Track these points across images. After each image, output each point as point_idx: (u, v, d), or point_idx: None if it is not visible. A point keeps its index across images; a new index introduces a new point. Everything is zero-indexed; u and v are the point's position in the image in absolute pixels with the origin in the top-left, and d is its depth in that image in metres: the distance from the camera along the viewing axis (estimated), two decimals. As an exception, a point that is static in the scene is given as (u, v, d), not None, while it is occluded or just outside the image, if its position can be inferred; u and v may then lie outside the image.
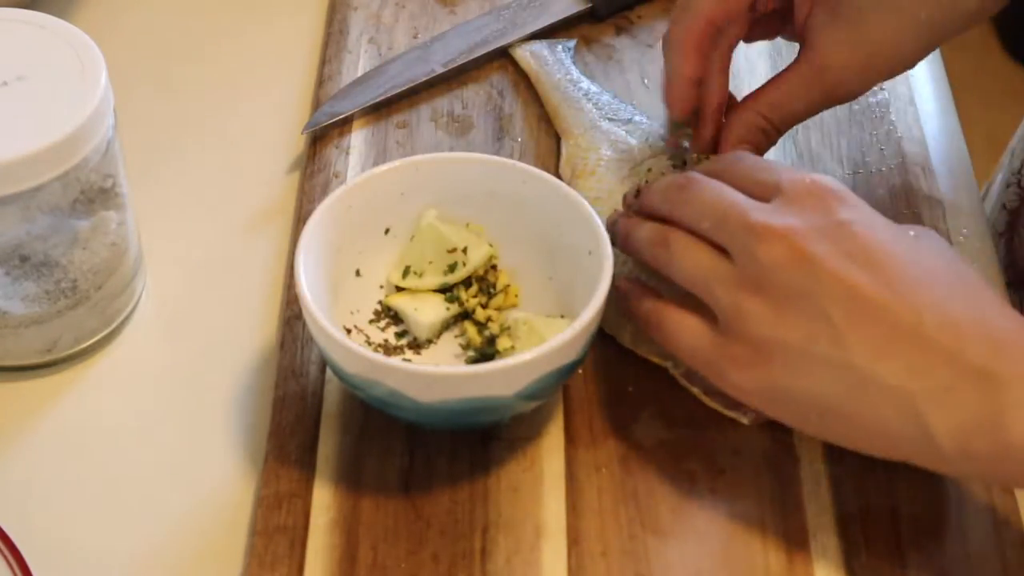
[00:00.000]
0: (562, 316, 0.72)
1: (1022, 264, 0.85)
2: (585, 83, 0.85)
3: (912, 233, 0.65)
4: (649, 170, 0.77)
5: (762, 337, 0.63)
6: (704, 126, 0.75)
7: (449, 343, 0.73)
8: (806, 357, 0.62)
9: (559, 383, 0.69)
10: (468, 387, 0.66)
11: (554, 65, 0.86)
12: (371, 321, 0.74)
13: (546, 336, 0.68)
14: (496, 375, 0.66)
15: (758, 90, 0.74)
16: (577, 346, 0.67)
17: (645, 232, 0.69)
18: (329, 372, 0.73)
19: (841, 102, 0.75)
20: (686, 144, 0.78)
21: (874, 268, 0.62)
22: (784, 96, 0.73)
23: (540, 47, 0.88)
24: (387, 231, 0.74)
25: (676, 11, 0.72)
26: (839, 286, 0.62)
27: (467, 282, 0.74)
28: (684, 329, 0.67)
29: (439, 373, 0.66)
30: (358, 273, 0.73)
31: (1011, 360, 0.60)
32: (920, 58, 0.74)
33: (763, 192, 0.66)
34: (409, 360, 0.72)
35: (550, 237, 0.73)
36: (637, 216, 0.71)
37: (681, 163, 0.77)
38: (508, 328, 0.72)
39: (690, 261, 0.66)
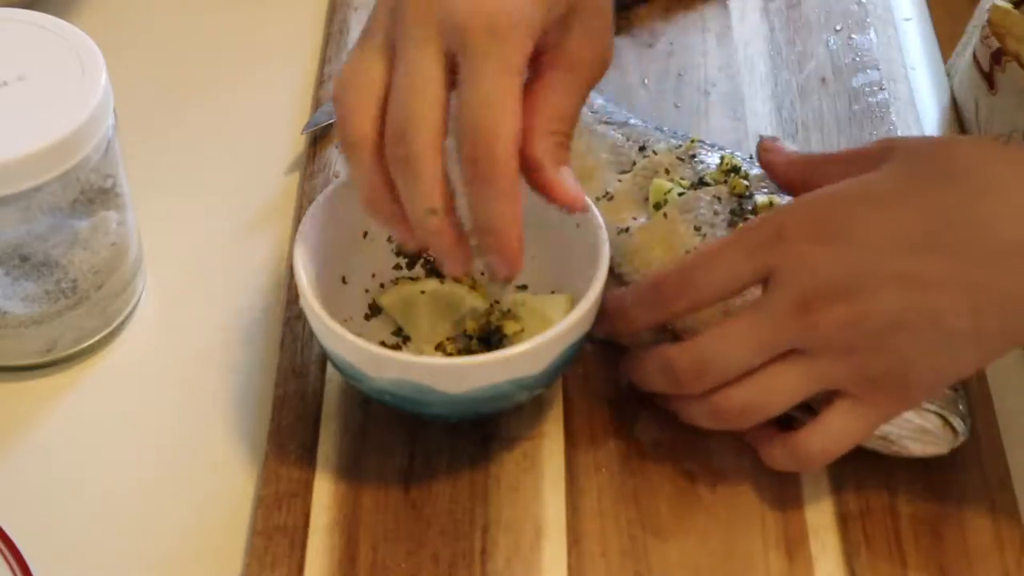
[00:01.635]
0: (552, 292, 0.72)
1: None
2: None
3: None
4: (644, 169, 0.77)
5: (883, 374, 0.64)
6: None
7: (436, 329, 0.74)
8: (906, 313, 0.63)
9: (575, 356, 0.69)
10: (500, 372, 0.66)
11: None
12: (366, 317, 0.74)
13: (547, 313, 0.69)
14: (526, 356, 0.66)
15: (531, 112, 0.65)
16: (593, 314, 0.67)
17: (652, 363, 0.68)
18: (329, 372, 0.73)
19: (600, 78, 0.69)
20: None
21: (914, 239, 0.63)
22: (560, 105, 0.67)
23: None
24: (365, 235, 0.74)
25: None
26: (896, 260, 0.63)
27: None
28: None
29: (474, 362, 0.66)
30: (344, 280, 0.73)
31: None
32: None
33: (763, 270, 0.66)
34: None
35: (534, 216, 0.73)
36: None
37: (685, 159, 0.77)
38: (509, 311, 0.72)
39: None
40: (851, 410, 0.65)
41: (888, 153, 0.66)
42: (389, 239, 0.74)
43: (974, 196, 0.63)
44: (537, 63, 0.65)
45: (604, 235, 0.69)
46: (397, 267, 0.75)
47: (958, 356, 0.64)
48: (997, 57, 0.82)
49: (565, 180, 0.65)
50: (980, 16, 0.88)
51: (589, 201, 0.69)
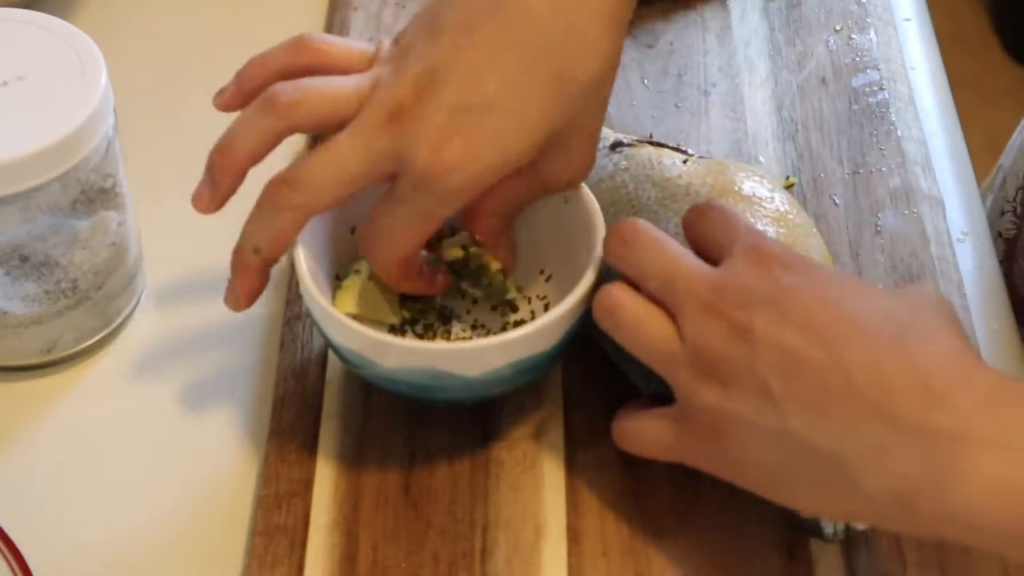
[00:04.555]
0: (541, 272, 0.74)
1: (1021, 294, 0.84)
2: None
3: (886, 289, 0.64)
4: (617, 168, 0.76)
5: (715, 415, 0.62)
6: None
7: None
8: (752, 430, 0.61)
9: (578, 332, 0.69)
10: (517, 350, 0.66)
11: None
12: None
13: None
14: (542, 332, 0.66)
15: (487, 194, 0.68)
16: (594, 291, 0.68)
17: (599, 296, 0.67)
18: (329, 372, 0.73)
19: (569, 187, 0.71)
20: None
21: (810, 329, 0.60)
22: (513, 201, 0.70)
23: None
24: (352, 230, 0.74)
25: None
26: (775, 353, 0.60)
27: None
28: (647, 434, 0.66)
29: (494, 343, 0.66)
30: (338, 277, 0.73)
31: (945, 409, 0.57)
32: None
33: (716, 252, 0.65)
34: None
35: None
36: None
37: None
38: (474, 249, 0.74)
39: (642, 337, 0.65)
40: (668, 429, 0.65)
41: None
42: None
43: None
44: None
45: (598, 213, 0.70)
46: None
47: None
48: None
49: (501, 249, 0.72)
50: None
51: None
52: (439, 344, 0.71)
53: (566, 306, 0.67)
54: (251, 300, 0.69)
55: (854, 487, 0.59)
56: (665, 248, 0.65)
